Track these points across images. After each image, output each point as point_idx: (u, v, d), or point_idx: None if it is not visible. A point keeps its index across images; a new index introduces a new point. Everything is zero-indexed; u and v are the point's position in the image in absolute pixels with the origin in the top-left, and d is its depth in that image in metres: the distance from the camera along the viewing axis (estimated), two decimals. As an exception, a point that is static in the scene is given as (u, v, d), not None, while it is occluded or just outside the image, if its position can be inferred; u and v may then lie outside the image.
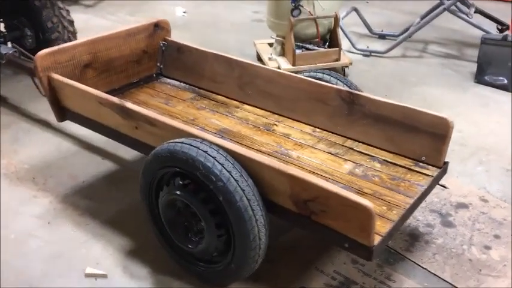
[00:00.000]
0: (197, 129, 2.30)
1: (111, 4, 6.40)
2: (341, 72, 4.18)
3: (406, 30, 4.95)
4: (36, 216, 2.57)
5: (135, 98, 2.85)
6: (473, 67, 4.37)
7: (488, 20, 4.73)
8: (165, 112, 2.69)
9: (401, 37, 4.54)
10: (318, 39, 4.01)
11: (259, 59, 4.49)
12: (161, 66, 3.10)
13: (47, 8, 3.83)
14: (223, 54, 2.84)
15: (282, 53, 4.13)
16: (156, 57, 3.07)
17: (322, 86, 2.49)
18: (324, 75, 2.55)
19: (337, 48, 3.96)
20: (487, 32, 4.26)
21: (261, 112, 2.70)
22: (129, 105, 2.24)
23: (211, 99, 2.84)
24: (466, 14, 4.30)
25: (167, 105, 2.78)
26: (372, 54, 4.65)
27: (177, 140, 1.98)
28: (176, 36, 5.15)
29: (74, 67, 2.66)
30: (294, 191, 1.81)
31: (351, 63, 4.05)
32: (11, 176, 2.88)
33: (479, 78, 4.05)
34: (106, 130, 2.45)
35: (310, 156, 2.33)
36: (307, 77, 2.58)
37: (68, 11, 4.00)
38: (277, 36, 4.15)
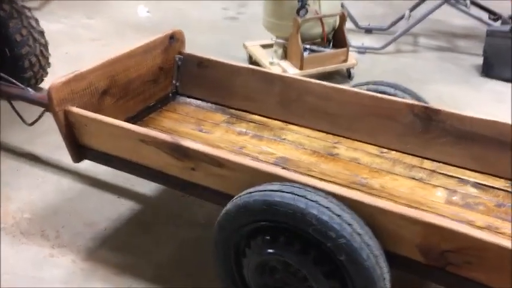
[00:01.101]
0: (266, 164, 1.93)
1: (60, 5, 5.72)
2: (345, 73, 3.92)
3: (394, 23, 4.78)
4: (61, 282, 2.09)
5: (160, 125, 2.42)
6: (473, 60, 4.27)
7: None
8: (205, 141, 2.28)
9: (399, 32, 4.34)
10: (323, 40, 3.71)
11: (252, 62, 4.13)
12: (177, 83, 2.67)
13: (13, 19, 3.25)
14: (259, 68, 2.47)
15: (284, 56, 3.79)
16: (171, 74, 2.64)
17: (390, 101, 2.19)
18: (388, 88, 2.26)
19: (345, 49, 3.69)
20: (489, 24, 4.14)
21: (313, 133, 2.36)
22: (187, 143, 1.83)
23: (249, 121, 2.46)
24: (465, 6, 4.16)
25: (202, 132, 2.38)
26: (367, 51, 4.41)
27: (269, 187, 1.61)
28: (139, 39, 4.68)
29: (92, 95, 2.19)
30: (428, 241, 1.51)
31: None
32: (13, 230, 2.36)
33: (487, 71, 3.92)
34: (146, 172, 2.02)
35: (394, 184, 2.03)
36: (366, 90, 2.27)
37: (37, 20, 3.43)
38: (277, 38, 3.80)
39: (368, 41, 4.63)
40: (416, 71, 4.11)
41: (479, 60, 4.23)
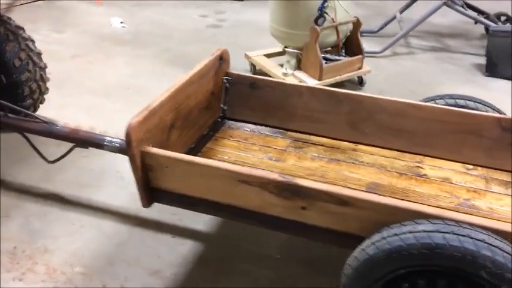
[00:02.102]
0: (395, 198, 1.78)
1: (23, 17, 5.24)
2: (355, 80, 3.84)
3: (385, 25, 4.77)
4: None
5: (225, 156, 2.20)
6: (470, 59, 4.34)
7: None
8: (282, 170, 2.10)
9: (399, 35, 4.31)
10: (338, 47, 3.60)
11: (256, 73, 3.95)
12: (225, 107, 2.45)
13: (9, 41, 2.88)
14: (322, 87, 2.30)
15: (297, 67, 3.64)
16: (220, 98, 2.42)
17: (473, 116, 2.11)
18: (467, 101, 2.17)
19: (361, 56, 3.60)
20: (487, 24, 4.21)
21: (389, 153, 2.24)
22: (303, 182, 1.65)
23: (316, 144, 2.30)
24: (462, 7, 4.21)
25: (273, 161, 2.18)
26: (367, 55, 4.35)
27: (420, 227, 1.46)
28: (135, 54, 4.39)
29: (162, 132, 1.94)
30: None
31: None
32: (67, 288, 2.07)
33: (491, 71, 3.98)
34: (236, 213, 1.81)
35: (500, 204, 1.95)
36: (444, 105, 2.18)
37: (33, 41, 3.06)
38: (289, 48, 3.64)
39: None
40: (420, 73, 4.11)
41: (476, 59, 4.31)
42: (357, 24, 3.55)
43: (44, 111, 3.17)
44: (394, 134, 2.23)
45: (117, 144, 2.28)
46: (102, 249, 2.26)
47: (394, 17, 4.64)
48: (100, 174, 2.79)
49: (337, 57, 3.57)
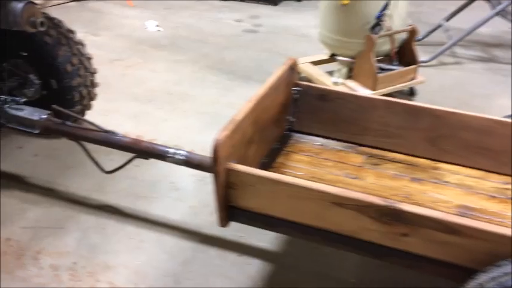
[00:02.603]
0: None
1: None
2: (405, 91, 3.71)
3: (429, 33, 4.64)
4: None
5: (298, 172, 2.08)
6: (519, 70, 4.20)
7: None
8: (362, 189, 1.98)
9: (448, 44, 4.17)
10: (392, 57, 3.47)
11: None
12: (293, 119, 2.34)
13: (62, 45, 2.78)
14: (400, 100, 2.18)
15: (348, 76, 3.52)
16: (288, 110, 2.31)
17: None
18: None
19: (415, 66, 3.47)
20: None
21: (473, 172, 2.10)
22: (407, 207, 1.52)
23: (393, 161, 2.17)
24: (514, 16, 4.07)
25: (350, 178, 2.06)
26: (413, 64, 4.22)
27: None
28: (174, 59, 4.28)
29: (242, 146, 1.83)
30: None
31: (422, 80, 3.60)
32: (136, 311, 1.95)
33: (546, 83, 3.83)
34: (325, 236, 1.69)
35: None
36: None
37: (84, 45, 2.96)
38: (339, 55, 3.52)
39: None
40: (471, 84, 3.97)
41: (528, 72, 4.16)
42: (412, 32, 3.42)
43: (89, 117, 3.07)
44: (479, 152, 2.10)
45: (181, 157, 2.18)
46: (167, 268, 2.15)
47: (439, 25, 4.50)
48: (153, 185, 2.68)
49: (391, 67, 3.44)
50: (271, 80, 2.05)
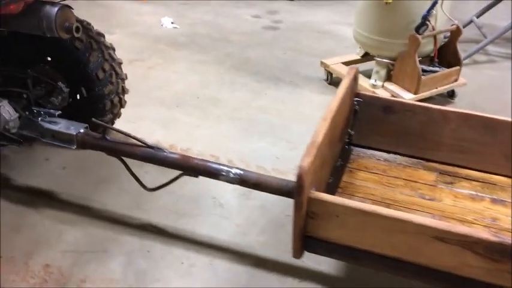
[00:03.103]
0: None
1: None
2: (447, 94, 3.54)
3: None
4: None
5: (367, 193, 1.91)
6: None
7: None
8: (441, 213, 1.81)
9: (484, 42, 4.00)
10: (434, 57, 3.30)
11: (332, 83, 3.67)
12: (352, 132, 2.17)
13: (93, 51, 2.58)
14: (476, 113, 2.01)
15: (387, 78, 3.34)
16: (349, 122, 2.13)
17: None
18: None
19: (459, 67, 3.30)
20: None
21: (559, 192, 1.95)
22: (522, 243, 1.36)
23: (468, 179, 2.01)
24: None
25: (426, 200, 1.90)
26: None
27: None
28: (196, 59, 4.08)
29: (318, 170, 1.65)
30: None
31: (463, 82, 3.43)
32: None
33: None
34: (420, 272, 1.53)
35: None
36: None
37: (114, 49, 2.77)
38: (377, 57, 3.34)
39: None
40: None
41: None
42: (456, 32, 3.25)
43: (116, 124, 2.89)
44: None
45: (237, 176, 2.01)
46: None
47: (470, 21, 4.32)
48: (195, 201, 2.50)
49: (433, 68, 3.27)
50: (340, 92, 1.87)
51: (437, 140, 2.06)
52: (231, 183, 2.06)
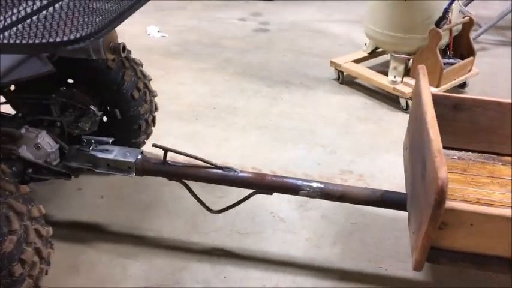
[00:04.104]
0: None
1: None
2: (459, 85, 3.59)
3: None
4: None
5: (457, 194, 1.88)
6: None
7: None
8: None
9: (479, 31, 4.10)
10: (449, 50, 3.34)
11: (344, 82, 3.65)
12: (423, 133, 2.13)
13: (126, 69, 2.42)
14: (547, 104, 2.02)
15: (405, 73, 3.35)
16: (420, 123, 2.10)
17: None
18: None
19: (473, 58, 3.36)
20: None
21: None
22: None
23: (546, 170, 2.03)
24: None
25: (520, 199, 1.89)
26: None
27: None
28: (197, 67, 3.94)
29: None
30: None
31: (475, 72, 3.50)
32: None
33: None
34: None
35: None
36: None
37: (142, 64, 2.61)
38: (396, 53, 3.33)
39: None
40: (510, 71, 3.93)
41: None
42: (469, 23, 3.30)
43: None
44: None
45: (318, 190, 1.94)
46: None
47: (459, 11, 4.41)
48: (253, 218, 2.40)
49: (449, 61, 3.31)
50: (426, 95, 1.82)
51: (508, 134, 2.06)
52: (311, 197, 1.99)
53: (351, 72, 3.57)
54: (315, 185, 1.95)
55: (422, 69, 2.02)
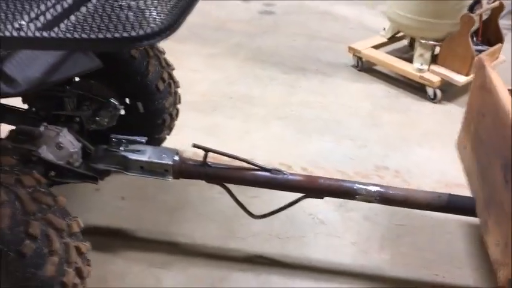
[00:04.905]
0: None
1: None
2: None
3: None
4: None
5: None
6: None
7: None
8: None
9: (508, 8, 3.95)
10: (478, 36, 3.19)
11: (363, 69, 3.48)
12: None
13: (150, 58, 2.20)
14: None
15: (432, 61, 3.18)
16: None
17: None
18: None
19: (501, 44, 3.22)
20: None
21: None
22: None
23: None
24: None
25: None
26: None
27: None
28: (206, 53, 3.71)
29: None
30: None
31: (501, 59, 3.36)
32: None
33: None
34: None
35: None
36: None
37: (164, 52, 2.38)
38: (423, 39, 3.16)
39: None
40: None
41: None
42: (499, 8, 3.14)
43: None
44: None
45: (377, 194, 1.78)
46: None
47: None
48: (292, 222, 2.22)
49: (478, 47, 3.16)
50: (503, 91, 1.66)
51: None
52: (368, 202, 1.83)
53: (371, 59, 3.40)
54: (373, 188, 1.79)
55: (487, 61, 1.85)
